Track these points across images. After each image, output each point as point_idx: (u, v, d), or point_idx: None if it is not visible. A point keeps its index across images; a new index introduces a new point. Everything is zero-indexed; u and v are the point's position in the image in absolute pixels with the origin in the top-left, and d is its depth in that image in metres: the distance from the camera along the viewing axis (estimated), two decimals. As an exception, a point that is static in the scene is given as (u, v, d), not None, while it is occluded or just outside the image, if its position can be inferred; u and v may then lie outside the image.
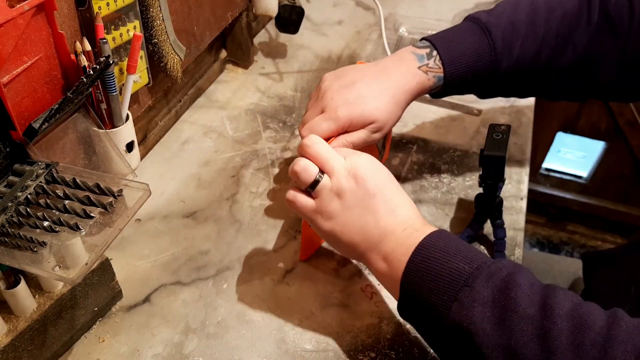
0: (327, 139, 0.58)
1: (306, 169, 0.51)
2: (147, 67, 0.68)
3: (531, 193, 1.86)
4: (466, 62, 0.61)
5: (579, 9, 0.61)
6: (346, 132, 0.59)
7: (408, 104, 0.62)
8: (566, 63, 0.61)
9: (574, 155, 1.86)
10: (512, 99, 0.89)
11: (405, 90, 0.60)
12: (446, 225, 0.68)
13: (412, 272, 0.46)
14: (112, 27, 0.60)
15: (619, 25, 0.59)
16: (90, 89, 0.56)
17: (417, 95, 0.62)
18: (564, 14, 0.61)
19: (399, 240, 0.48)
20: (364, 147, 0.60)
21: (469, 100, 0.88)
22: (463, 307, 0.42)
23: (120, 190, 0.48)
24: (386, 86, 0.59)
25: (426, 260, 0.45)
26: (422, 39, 0.63)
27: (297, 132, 0.82)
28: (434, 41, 0.62)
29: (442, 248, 0.46)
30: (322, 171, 0.51)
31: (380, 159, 0.70)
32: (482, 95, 0.67)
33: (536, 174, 1.90)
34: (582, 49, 0.60)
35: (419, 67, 0.61)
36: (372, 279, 0.62)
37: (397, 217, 0.49)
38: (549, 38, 0.61)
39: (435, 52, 0.61)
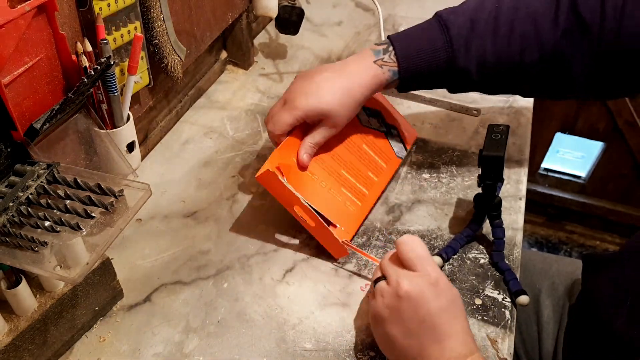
0: (291, 130, 0.65)
1: (377, 271, 0.54)
2: (147, 68, 0.68)
3: (530, 193, 1.86)
4: (421, 57, 0.63)
5: (546, 9, 0.61)
6: (306, 126, 0.64)
7: (365, 97, 0.64)
8: (533, 61, 0.62)
9: (573, 156, 1.86)
10: (512, 99, 0.89)
11: (360, 84, 0.63)
12: (445, 225, 0.68)
13: None
14: (113, 27, 0.60)
15: (590, 24, 0.59)
16: (91, 90, 0.56)
17: (375, 89, 0.65)
18: (529, 14, 0.61)
19: None
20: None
21: (468, 100, 0.88)
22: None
23: (121, 190, 0.48)
24: (342, 80, 0.63)
25: None
26: (387, 37, 0.66)
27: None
28: (393, 37, 0.65)
29: None
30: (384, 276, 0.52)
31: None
32: (450, 89, 0.69)
33: (535, 174, 1.90)
34: (550, 48, 0.61)
35: (374, 62, 0.64)
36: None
37: (444, 348, 0.47)
38: (514, 37, 0.62)
39: (391, 48, 0.64)
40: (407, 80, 0.65)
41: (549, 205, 1.94)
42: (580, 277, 0.73)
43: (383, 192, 0.71)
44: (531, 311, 0.78)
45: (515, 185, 0.74)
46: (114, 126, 0.62)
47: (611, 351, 0.60)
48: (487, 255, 0.64)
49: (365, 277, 0.62)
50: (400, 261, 0.51)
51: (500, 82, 0.66)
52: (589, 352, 0.66)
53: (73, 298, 0.52)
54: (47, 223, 0.45)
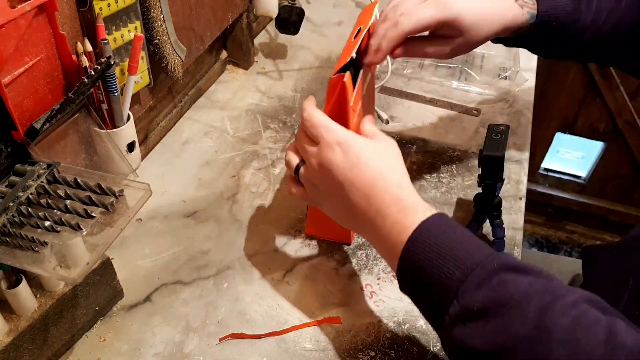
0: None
1: (288, 161, 0.54)
2: (148, 68, 0.68)
3: (530, 193, 1.86)
4: (557, 3, 0.62)
5: None
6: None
7: (497, 34, 0.61)
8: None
9: (573, 156, 1.86)
10: (512, 99, 0.89)
11: (500, 17, 0.60)
12: (445, 225, 0.68)
13: (410, 255, 0.44)
14: (113, 27, 0.60)
15: None
16: (92, 90, 0.56)
17: (507, 31, 0.62)
18: None
19: (395, 216, 0.47)
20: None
21: (468, 100, 0.88)
22: (454, 322, 0.41)
23: (121, 190, 0.48)
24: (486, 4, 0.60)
25: (422, 251, 0.44)
26: None
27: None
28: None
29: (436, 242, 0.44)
30: (303, 160, 0.53)
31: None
32: (558, 52, 0.67)
33: (535, 174, 1.90)
34: None
35: (515, 1, 0.61)
36: (372, 279, 0.62)
37: (384, 196, 0.48)
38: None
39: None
40: (539, 27, 0.62)
41: (549, 205, 1.94)
42: (579, 274, 0.73)
43: None
44: None
45: (515, 185, 0.74)
46: (114, 126, 0.62)
47: None
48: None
49: (366, 278, 0.62)
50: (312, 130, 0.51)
51: (613, 52, 0.66)
52: None
53: (73, 298, 0.52)
54: (47, 223, 0.45)
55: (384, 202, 0.47)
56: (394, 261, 0.46)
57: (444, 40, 0.60)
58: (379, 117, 0.85)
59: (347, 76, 0.51)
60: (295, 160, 0.54)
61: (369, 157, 0.49)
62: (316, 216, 0.65)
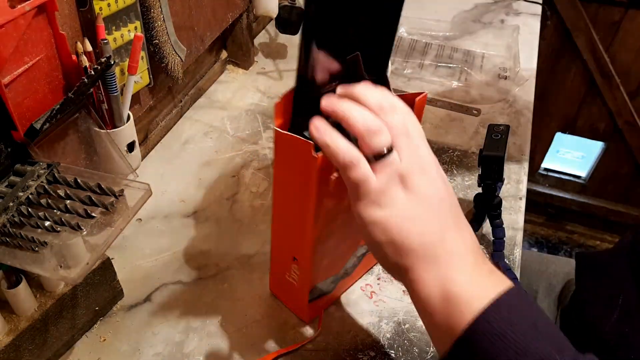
0: None
1: (381, 130, 0.38)
2: (148, 68, 0.68)
3: (530, 193, 1.86)
4: None
5: None
6: None
7: None
8: None
9: (573, 156, 1.86)
10: (512, 99, 0.89)
11: None
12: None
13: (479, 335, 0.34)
14: (113, 27, 0.60)
15: None
16: (92, 90, 0.56)
17: None
18: None
19: (469, 272, 0.37)
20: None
21: (468, 100, 0.88)
22: None
23: (121, 190, 0.48)
24: None
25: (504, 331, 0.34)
26: None
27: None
28: None
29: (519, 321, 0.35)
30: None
31: None
32: None
33: (535, 174, 1.90)
34: None
35: None
36: (372, 279, 0.62)
37: (465, 238, 0.39)
38: None
39: None
40: None
41: (549, 205, 1.94)
42: (574, 277, 0.74)
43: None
44: None
45: (515, 185, 0.74)
46: (114, 126, 0.62)
47: (599, 353, 0.60)
48: (488, 255, 0.64)
49: (366, 278, 0.62)
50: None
51: None
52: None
53: (73, 298, 0.52)
54: (47, 223, 0.45)
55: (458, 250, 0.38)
56: (443, 338, 0.36)
57: None
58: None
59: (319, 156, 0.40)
60: (388, 136, 0.38)
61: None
62: (278, 273, 0.56)
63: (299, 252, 0.51)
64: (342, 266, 0.56)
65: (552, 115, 1.75)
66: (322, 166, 0.42)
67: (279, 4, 0.90)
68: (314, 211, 0.45)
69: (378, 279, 0.62)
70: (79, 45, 0.54)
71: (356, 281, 0.61)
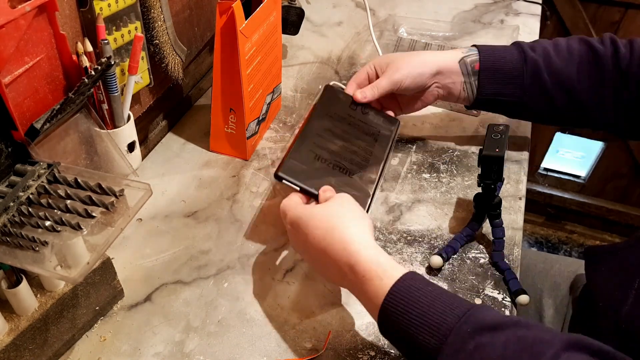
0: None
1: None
2: (148, 68, 0.68)
3: (530, 193, 1.87)
4: (499, 55, 0.71)
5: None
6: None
7: (431, 74, 0.71)
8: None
9: (573, 155, 1.86)
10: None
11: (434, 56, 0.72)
12: (445, 225, 0.68)
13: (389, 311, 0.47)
14: (114, 27, 0.60)
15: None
16: (92, 90, 0.56)
17: (444, 71, 0.71)
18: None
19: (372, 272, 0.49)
20: None
21: (468, 100, 0.88)
22: None
23: (122, 190, 0.48)
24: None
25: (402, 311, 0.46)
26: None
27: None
28: (477, 45, 0.73)
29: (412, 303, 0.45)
30: None
31: None
32: (511, 110, 0.74)
33: (535, 174, 1.90)
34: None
35: (461, 54, 0.72)
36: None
37: (340, 257, 0.51)
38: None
39: (475, 50, 0.72)
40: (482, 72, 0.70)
41: (549, 205, 1.94)
42: (582, 274, 0.73)
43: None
44: (533, 312, 0.78)
45: (515, 185, 0.74)
46: (115, 126, 0.62)
47: (615, 338, 0.59)
48: (487, 255, 0.65)
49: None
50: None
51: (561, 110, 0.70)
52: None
53: (74, 298, 0.52)
54: (47, 223, 0.46)
55: (341, 270, 0.50)
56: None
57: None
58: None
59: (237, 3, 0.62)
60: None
61: (314, 229, 0.52)
62: (217, 130, 0.75)
63: (235, 103, 0.71)
64: (260, 110, 0.76)
65: (552, 115, 1.75)
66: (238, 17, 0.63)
67: (279, 4, 0.90)
68: (242, 60, 0.66)
69: (378, 278, 0.62)
70: (80, 45, 0.54)
71: (269, 127, 0.83)
